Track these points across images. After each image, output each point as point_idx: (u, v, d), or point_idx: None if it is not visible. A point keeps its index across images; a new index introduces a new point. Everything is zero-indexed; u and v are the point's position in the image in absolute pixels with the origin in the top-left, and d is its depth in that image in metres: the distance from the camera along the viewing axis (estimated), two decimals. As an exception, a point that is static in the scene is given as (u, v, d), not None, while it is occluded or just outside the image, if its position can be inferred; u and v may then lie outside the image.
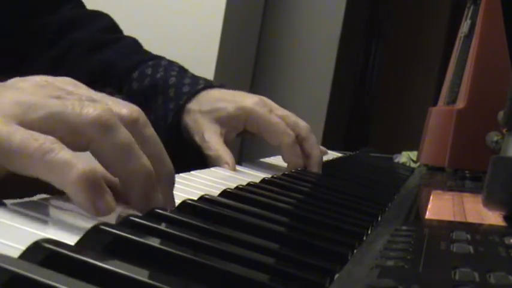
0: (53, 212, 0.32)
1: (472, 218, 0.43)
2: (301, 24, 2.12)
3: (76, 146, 0.33)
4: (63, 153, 0.31)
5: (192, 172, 0.55)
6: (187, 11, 1.74)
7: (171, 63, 0.79)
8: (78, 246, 0.27)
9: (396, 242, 0.34)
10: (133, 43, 0.82)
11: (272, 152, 0.83)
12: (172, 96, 0.73)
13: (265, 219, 0.38)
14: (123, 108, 0.36)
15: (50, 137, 0.32)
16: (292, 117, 0.72)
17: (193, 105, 0.72)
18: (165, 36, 1.65)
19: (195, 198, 0.40)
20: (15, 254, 0.23)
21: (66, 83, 0.37)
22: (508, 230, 0.39)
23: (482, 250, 0.32)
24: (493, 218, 0.43)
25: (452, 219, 0.43)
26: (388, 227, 0.41)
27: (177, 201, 0.38)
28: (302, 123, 0.72)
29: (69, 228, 0.30)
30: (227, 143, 0.69)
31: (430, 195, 0.55)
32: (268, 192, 0.48)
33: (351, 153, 1.13)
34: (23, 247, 0.24)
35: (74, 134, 0.33)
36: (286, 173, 0.63)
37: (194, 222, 0.33)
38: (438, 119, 0.86)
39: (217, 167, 0.64)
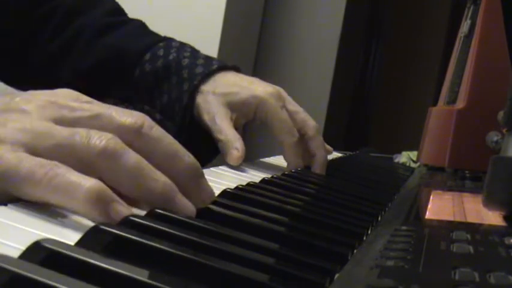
0: (53, 212, 0.32)
1: (472, 218, 0.43)
2: (301, 24, 2.12)
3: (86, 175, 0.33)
4: (69, 175, 0.32)
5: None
6: (187, 11, 1.74)
7: (183, 44, 0.78)
8: (78, 246, 0.27)
9: (396, 242, 0.34)
10: (141, 25, 0.82)
11: (272, 152, 0.83)
12: (186, 77, 0.72)
13: (265, 219, 0.38)
14: (128, 117, 0.37)
15: (56, 162, 0.32)
16: (303, 114, 0.71)
17: (207, 86, 0.71)
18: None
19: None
20: (15, 254, 0.23)
21: (68, 98, 0.38)
22: (508, 230, 0.39)
23: (482, 250, 0.32)
24: (493, 218, 0.43)
25: (452, 219, 0.43)
26: (388, 227, 0.41)
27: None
28: (311, 122, 0.71)
29: (69, 228, 0.30)
30: (236, 128, 0.69)
31: (430, 195, 0.55)
32: (268, 192, 0.48)
33: (351, 153, 1.13)
34: (23, 247, 0.24)
35: (82, 164, 0.34)
36: (286, 173, 0.63)
37: (194, 222, 0.33)
38: (438, 119, 0.86)
39: (217, 167, 0.64)
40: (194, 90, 0.71)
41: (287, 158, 0.70)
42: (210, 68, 0.72)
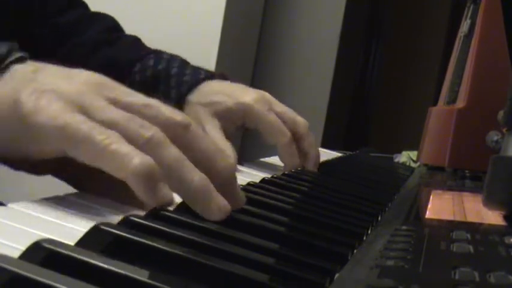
0: (53, 212, 0.32)
1: (472, 218, 0.43)
2: (301, 24, 2.12)
3: None
4: (125, 146, 0.34)
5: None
6: (187, 11, 1.74)
7: (173, 56, 0.80)
8: (78, 246, 0.27)
9: (396, 241, 0.34)
10: (135, 40, 0.84)
11: (272, 152, 0.82)
12: (174, 85, 0.74)
13: (265, 219, 0.38)
14: (178, 116, 0.39)
15: (114, 131, 0.34)
16: (291, 113, 0.72)
17: (193, 97, 0.72)
18: (165, 36, 1.65)
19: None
20: (15, 254, 0.24)
21: (119, 86, 0.40)
22: (508, 230, 0.39)
23: (482, 250, 0.32)
24: (493, 217, 0.43)
25: (452, 218, 0.43)
26: (388, 226, 0.41)
27: (177, 202, 0.38)
28: (300, 120, 0.72)
29: (69, 228, 0.30)
30: (226, 137, 0.69)
31: (430, 195, 0.55)
32: (268, 192, 0.48)
33: (351, 153, 1.13)
34: (23, 247, 0.24)
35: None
36: (286, 172, 0.63)
37: (194, 222, 0.33)
38: (438, 118, 0.86)
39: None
40: (181, 100, 0.72)
41: (283, 160, 0.70)
42: (198, 76, 0.74)
